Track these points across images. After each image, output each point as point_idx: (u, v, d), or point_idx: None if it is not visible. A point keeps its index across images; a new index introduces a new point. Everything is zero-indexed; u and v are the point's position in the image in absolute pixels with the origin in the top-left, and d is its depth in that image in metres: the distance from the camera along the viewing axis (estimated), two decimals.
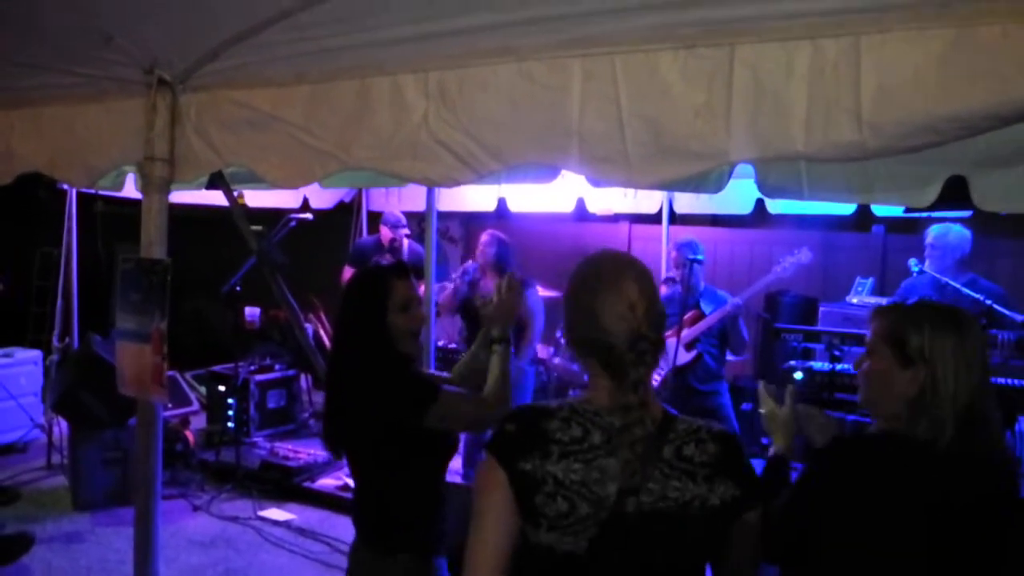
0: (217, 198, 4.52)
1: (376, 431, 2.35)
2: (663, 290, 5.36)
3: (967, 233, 4.79)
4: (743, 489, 1.59)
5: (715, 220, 7.95)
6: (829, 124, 1.79)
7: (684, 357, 5.03)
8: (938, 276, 4.66)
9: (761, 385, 2.30)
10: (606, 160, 2.07)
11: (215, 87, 2.76)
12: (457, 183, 2.37)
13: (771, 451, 2.15)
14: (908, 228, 7.18)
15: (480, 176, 2.29)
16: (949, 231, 4.82)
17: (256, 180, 2.94)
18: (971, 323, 1.83)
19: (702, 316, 5.05)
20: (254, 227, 3.99)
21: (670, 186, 2.66)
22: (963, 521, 1.74)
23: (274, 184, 2.77)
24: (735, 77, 1.88)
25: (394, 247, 6.73)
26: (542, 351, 6.39)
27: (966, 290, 4.44)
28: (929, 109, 1.69)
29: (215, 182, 4.02)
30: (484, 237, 5.82)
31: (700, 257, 5.05)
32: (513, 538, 1.62)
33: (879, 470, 1.79)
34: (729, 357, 5.26)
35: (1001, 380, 4.00)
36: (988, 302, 4.25)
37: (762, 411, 2.24)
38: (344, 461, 5.86)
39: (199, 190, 5.45)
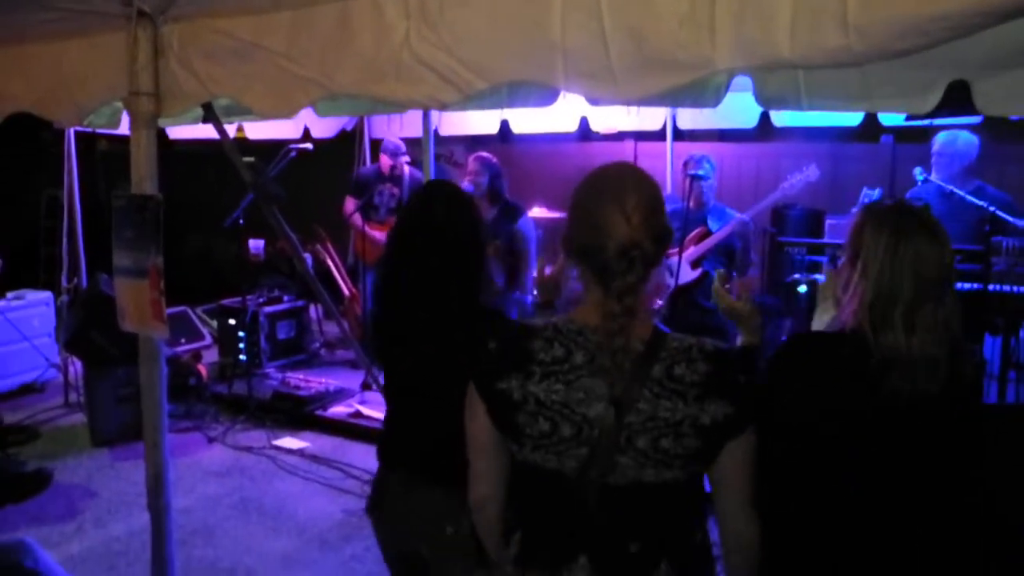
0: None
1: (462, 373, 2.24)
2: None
3: (974, 140, 4.71)
4: (736, 407, 1.55)
5: (721, 135, 7.85)
6: (815, 29, 1.74)
7: (689, 275, 5.02)
8: (942, 184, 4.60)
9: (715, 282, 2.27)
10: (591, 75, 2.03)
11: (196, 16, 2.71)
12: (443, 104, 2.33)
13: (738, 341, 2.15)
14: (917, 137, 7.04)
15: (466, 96, 2.26)
16: (956, 138, 4.74)
17: (250, 112, 2.91)
18: (922, 231, 1.78)
19: (708, 234, 5.01)
20: (247, 159, 3.96)
21: (659, 98, 2.59)
22: (916, 420, 1.75)
23: (261, 114, 2.74)
24: None
25: (395, 175, 6.68)
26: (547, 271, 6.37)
27: (971, 198, 4.39)
28: (915, 9, 1.64)
29: (208, 115, 3.98)
30: (472, 164, 5.66)
31: (701, 172, 4.96)
32: (506, 456, 1.66)
33: (828, 366, 1.81)
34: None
35: (1005, 288, 3.97)
36: (992, 209, 4.20)
37: (720, 307, 2.23)
38: (356, 389, 5.97)
39: (196, 123, 5.46)
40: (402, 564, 2.42)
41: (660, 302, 4.81)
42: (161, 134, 3.36)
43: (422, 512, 2.31)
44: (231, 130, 5.80)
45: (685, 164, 5.07)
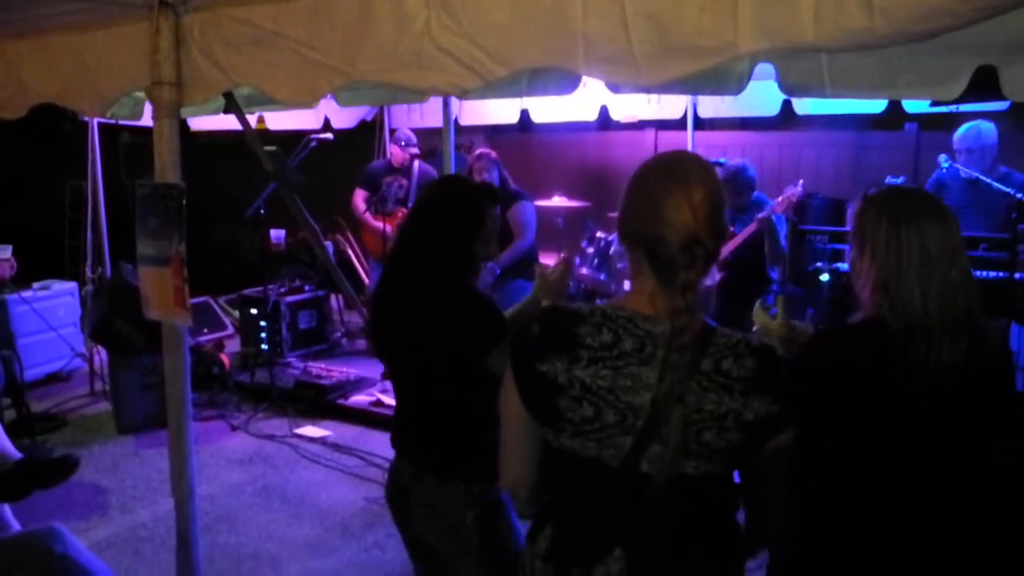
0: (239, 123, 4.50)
1: (440, 357, 2.29)
2: None
3: (993, 127, 4.66)
4: (779, 404, 1.54)
5: (743, 124, 7.80)
6: (839, 10, 1.72)
7: (713, 276, 4.99)
8: (968, 171, 4.55)
9: (757, 305, 2.31)
10: (612, 60, 2.02)
11: (217, 5, 2.72)
12: (464, 91, 2.33)
13: None
14: (942, 124, 6.96)
15: (487, 83, 2.25)
16: (980, 132, 4.68)
17: (271, 101, 2.93)
18: (922, 208, 1.79)
19: (732, 235, 4.97)
20: (268, 148, 3.98)
21: (682, 85, 2.59)
22: (946, 393, 1.74)
23: (283, 102, 2.75)
24: None
25: (404, 167, 6.70)
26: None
27: (997, 184, 4.33)
28: None
29: (230, 105, 4.01)
30: (476, 162, 5.74)
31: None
32: (538, 441, 1.65)
33: (853, 354, 1.80)
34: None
35: None
36: (1019, 196, 4.15)
37: (755, 328, 2.24)
38: (377, 378, 6.01)
39: (218, 115, 5.49)
40: (417, 550, 2.47)
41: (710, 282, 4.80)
42: (183, 125, 3.38)
43: (428, 503, 2.35)
44: (252, 120, 5.82)
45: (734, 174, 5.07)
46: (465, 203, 2.39)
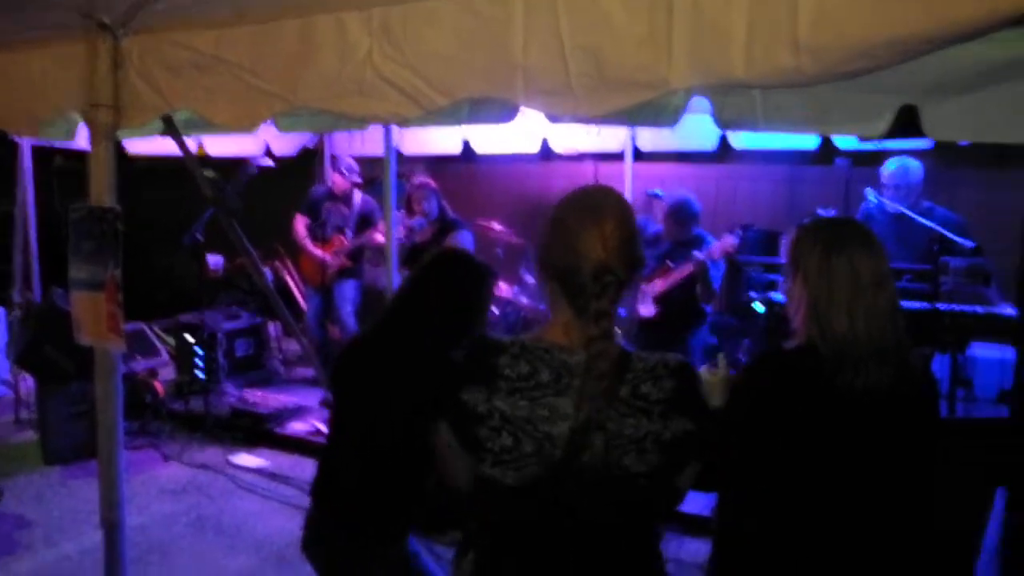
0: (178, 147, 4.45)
1: (403, 421, 2.28)
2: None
3: (919, 164, 4.84)
4: (697, 423, 1.60)
5: (682, 157, 7.94)
6: (768, 50, 1.79)
7: (650, 310, 5.05)
8: (893, 205, 4.71)
9: (703, 370, 2.40)
10: (551, 92, 2.07)
11: (157, 29, 2.72)
12: (405, 120, 2.36)
13: None
14: (871, 160, 7.19)
15: (428, 112, 2.28)
16: (907, 170, 4.84)
17: (211, 126, 2.92)
18: (853, 238, 1.87)
19: (670, 269, 5.04)
20: (208, 173, 3.94)
21: (619, 116, 2.64)
22: (873, 417, 1.81)
23: (222, 127, 2.75)
24: (675, 5, 1.88)
25: (346, 196, 6.69)
26: (507, 291, 6.42)
27: (920, 219, 4.49)
28: (865, 33, 1.70)
29: (169, 129, 3.97)
30: (415, 191, 5.85)
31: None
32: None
33: (786, 379, 1.87)
34: None
35: (954, 306, 4.07)
36: (939, 229, 4.30)
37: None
38: (315, 406, 5.94)
39: (155, 137, 5.41)
40: None
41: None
42: (119, 148, 3.34)
43: (341, 557, 2.37)
44: (191, 145, 5.77)
45: (674, 209, 5.15)
46: (477, 286, 2.41)
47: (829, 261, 1.84)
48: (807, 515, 1.85)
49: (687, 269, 4.96)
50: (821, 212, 5.40)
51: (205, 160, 6.20)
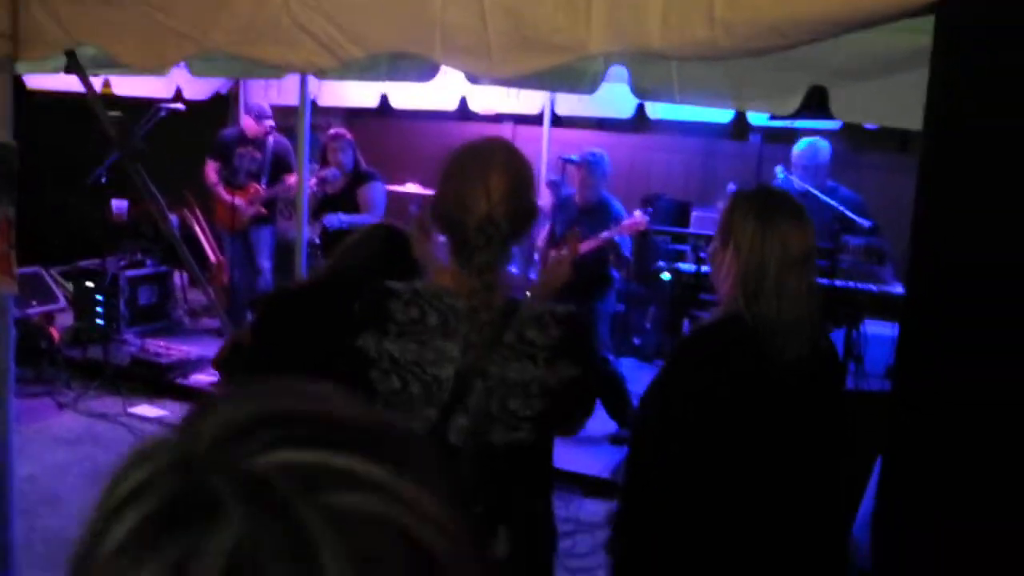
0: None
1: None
2: (546, 195, 5.39)
3: (827, 145, 4.98)
4: (582, 368, 1.63)
5: (600, 124, 8.01)
6: (684, 21, 1.82)
7: None
8: (800, 183, 4.85)
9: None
10: (468, 51, 2.06)
11: None
12: (319, 70, 2.32)
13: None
14: (783, 138, 7.39)
15: (343, 63, 2.25)
16: (817, 150, 4.97)
17: (118, 64, 2.80)
18: (787, 212, 1.90)
19: (579, 238, 5.01)
20: (113, 113, 3.80)
21: (537, 80, 2.66)
22: (794, 387, 1.87)
23: (129, 67, 2.67)
24: None
25: (257, 140, 6.53)
26: None
27: (824, 197, 4.64)
28: (778, 12, 1.74)
29: (72, 65, 3.80)
30: (331, 141, 5.77)
31: (600, 171, 5.04)
32: None
33: (715, 352, 1.91)
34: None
35: (851, 284, 4.23)
36: (840, 208, 4.45)
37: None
38: None
39: (58, 74, 5.18)
40: None
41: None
42: (18, 82, 3.20)
43: None
44: (97, 83, 5.54)
45: (581, 163, 5.13)
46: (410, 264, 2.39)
47: (763, 233, 1.85)
48: (724, 482, 1.89)
49: (597, 244, 4.97)
50: (731, 186, 5.52)
51: (111, 99, 5.97)
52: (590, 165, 5.07)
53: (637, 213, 5.03)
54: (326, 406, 0.51)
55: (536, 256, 5.50)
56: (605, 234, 4.95)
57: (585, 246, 4.98)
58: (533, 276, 5.59)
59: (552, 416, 1.64)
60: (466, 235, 1.59)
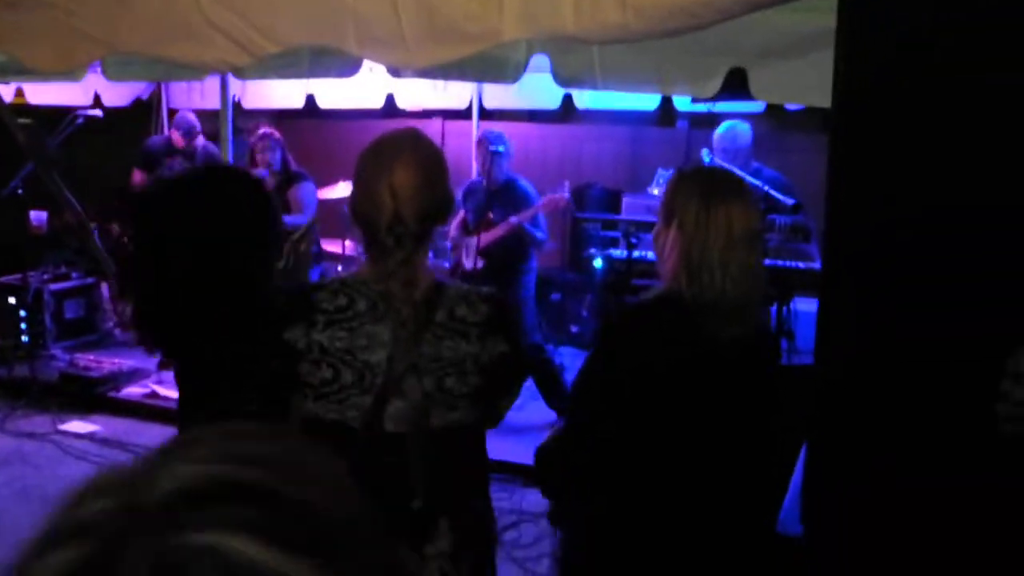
0: None
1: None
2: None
3: (748, 128, 5.05)
4: (511, 345, 1.66)
5: (527, 116, 8.03)
6: (596, 5, 1.84)
7: (475, 262, 4.97)
8: (725, 164, 4.92)
9: None
10: (384, 42, 2.05)
11: None
12: (234, 67, 2.29)
13: None
14: (709, 123, 7.48)
15: (258, 59, 2.22)
16: (736, 134, 5.03)
17: (28, 71, 2.72)
18: (731, 191, 1.89)
19: (492, 224, 4.99)
20: (23, 121, 3.69)
21: (460, 71, 2.65)
22: (733, 366, 1.87)
23: (38, 71, 2.60)
24: None
25: (187, 150, 6.39)
26: (351, 248, 6.34)
27: (749, 178, 4.71)
28: None
29: None
30: (258, 141, 5.64)
31: (501, 148, 4.97)
32: None
33: (652, 329, 1.90)
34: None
35: (779, 262, 4.32)
36: (765, 188, 4.52)
37: None
38: (152, 369, 5.72)
39: None
40: None
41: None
42: None
43: None
44: (9, 92, 5.38)
45: (481, 140, 5.10)
46: (276, 215, 2.19)
47: (707, 212, 1.82)
48: (661, 463, 1.89)
49: (506, 229, 4.90)
50: (661, 171, 5.58)
51: (25, 109, 5.80)
52: (489, 143, 5.02)
53: (559, 190, 4.94)
54: (300, 490, 0.49)
55: (448, 244, 5.44)
56: (513, 219, 4.88)
57: (493, 233, 4.95)
58: (446, 264, 5.58)
59: (486, 393, 1.64)
60: (377, 235, 1.58)
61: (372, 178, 1.59)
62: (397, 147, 1.62)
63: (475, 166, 6.43)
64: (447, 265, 5.51)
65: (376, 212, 1.57)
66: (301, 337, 1.56)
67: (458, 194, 5.31)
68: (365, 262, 1.67)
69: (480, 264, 5.01)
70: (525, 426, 4.77)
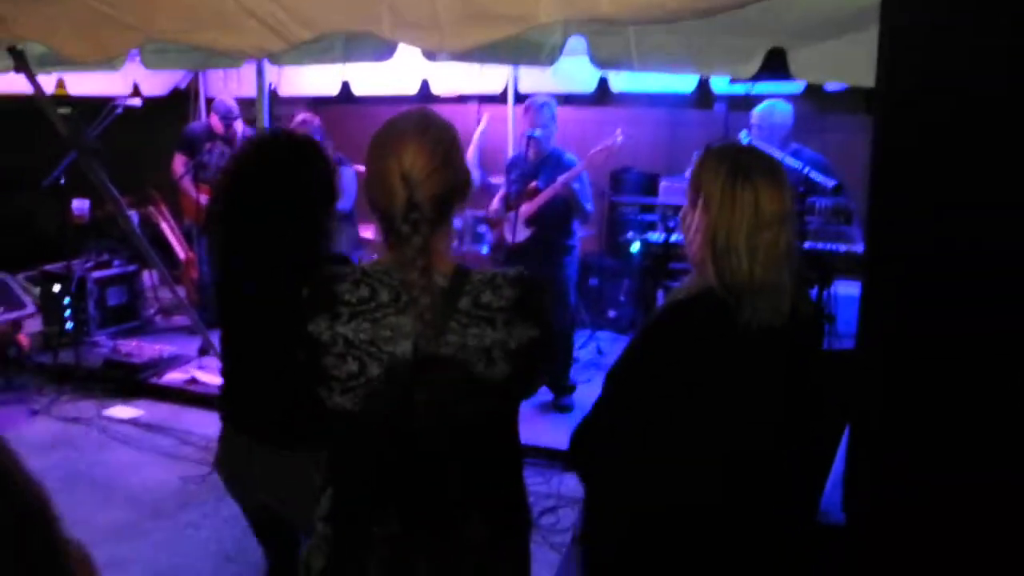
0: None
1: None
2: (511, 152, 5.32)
3: (789, 108, 4.97)
4: (540, 329, 1.58)
5: (563, 99, 7.97)
6: None
7: (521, 234, 5.00)
8: (764, 147, 4.84)
9: None
10: (417, 25, 2.03)
11: None
12: (269, 53, 2.29)
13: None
14: (747, 105, 7.37)
15: (292, 45, 2.21)
16: (773, 111, 4.97)
17: (67, 61, 2.74)
18: (760, 169, 1.76)
19: (538, 191, 4.97)
20: (63, 111, 3.73)
21: (495, 55, 2.62)
22: (768, 356, 1.79)
23: (74, 60, 2.62)
24: None
25: (227, 136, 6.44)
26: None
27: (788, 159, 4.64)
28: None
29: (19, 64, 3.73)
30: (298, 127, 5.63)
31: (538, 133, 4.94)
32: None
33: (690, 325, 1.80)
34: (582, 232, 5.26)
35: (819, 245, 4.25)
36: (805, 170, 4.44)
37: None
38: (193, 355, 5.80)
39: (8, 74, 5.08)
40: (256, 516, 2.39)
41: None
42: None
43: (268, 473, 2.28)
44: (50, 82, 5.44)
45: (527, 108, 5.05)
46: (322, 176, 2.24)
47: (733, 192, 1.72)
48: (697, 455, 1.83)
49: (553, 191, 4.86)
50: (698, 154, 5.49)
51: (64, 99, 5.86)
52: (535, 111, 4.97)
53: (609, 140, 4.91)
54: None
55: (485, 228, 5.40)
56: (561, 178, 4.83)
57: (541, 198, 4.92)
58: (481, 251, 5.55)
59: (516, 380, 1.59)
60: (393, 223, 1.53)
61: (382, 164, 1.53)
62: (405, 130, 1.56)
63: (510, 149, 6.41)
64: (483, 251, 5.48)
65: (389, 199, 1.52)
66: (325, 330, 1.54)
67: (499, 175, 5.30)
68: (385, 249, 1.61)
69: (526, 235, 4.97)
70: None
